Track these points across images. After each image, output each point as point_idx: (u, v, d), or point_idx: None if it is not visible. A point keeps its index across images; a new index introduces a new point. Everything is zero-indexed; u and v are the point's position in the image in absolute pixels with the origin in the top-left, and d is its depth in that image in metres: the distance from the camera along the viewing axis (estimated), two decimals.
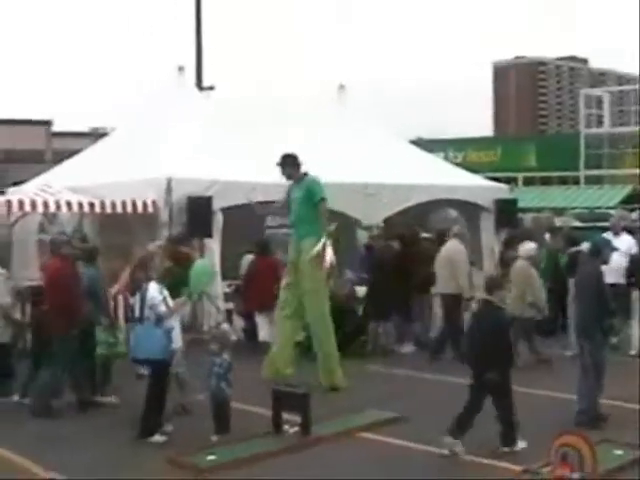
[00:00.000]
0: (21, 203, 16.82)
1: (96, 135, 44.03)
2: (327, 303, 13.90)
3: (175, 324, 11.16)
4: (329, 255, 13.30)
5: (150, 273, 11.27)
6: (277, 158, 13.99)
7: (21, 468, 9.90)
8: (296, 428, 10.65)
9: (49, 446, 10.66)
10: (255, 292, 16.06)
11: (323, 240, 13.25)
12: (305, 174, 13.85)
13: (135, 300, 11.38)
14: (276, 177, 15.28)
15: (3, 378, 13.25)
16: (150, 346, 10.66)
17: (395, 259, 16.52)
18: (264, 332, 15.91)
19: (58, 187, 17.88)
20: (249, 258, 16.84)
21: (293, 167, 13.87)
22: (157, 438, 10.66)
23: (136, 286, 11.99)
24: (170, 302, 10.93)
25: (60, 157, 31.49)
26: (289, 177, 14.00)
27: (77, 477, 9.26)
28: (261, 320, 16.14)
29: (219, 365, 10.75)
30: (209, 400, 10.85)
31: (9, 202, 16.81)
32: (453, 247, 16.05)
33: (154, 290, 10.89)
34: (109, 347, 12.71)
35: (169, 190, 16.86)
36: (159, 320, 10.77)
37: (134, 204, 17.06)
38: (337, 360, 13.70)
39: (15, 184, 23.26)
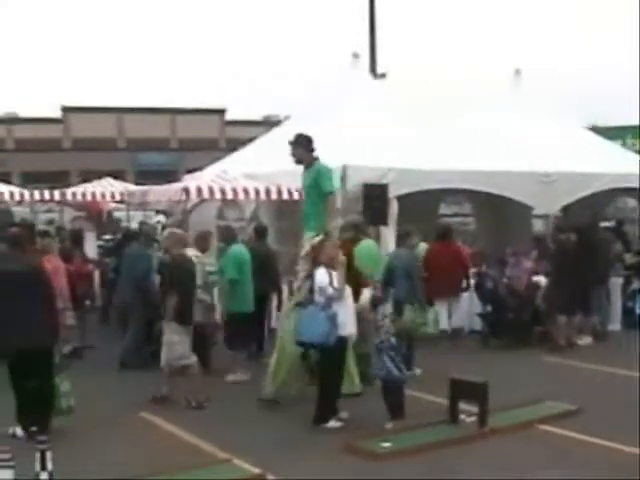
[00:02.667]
0: (199, 190, 17.12)
1: (269, 123, 44.53)
2: None
3: (347, 310, 11.09)
4: None
5: (319, 258, 11.20)
6: (453, 146, 13.59)
7: (195, 447, 10.05)
8: (473, 418, 10.49)
9: (224, 427, 10.81)
10: (435, 279, 15.52)
11: (318, 239, 11.47)
12: (316, 159, 12.09)
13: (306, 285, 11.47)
14: (451, 164, 15.01)
15: None
16: (312, 330, 10.66)
17: (575, 250, 16.09)
18: (443, 320, 15.74)
19: (234, 174, 18.14)
20: (423, 247, 16.42)
21: (304, 150, 12.03)
22: (332, 424, 10.69)
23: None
24: (337, 284, 10.84)
25: (233, 145, 32.08)
26: (298, 161, 12.21)
27: (254, 459, 9.33)
28: (441, 308, 15.91)
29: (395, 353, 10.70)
30: (383, 387, 10.83)
31: (187, 189, 17.12)
32: None
33: (321, 274, 10.88)
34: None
35: (344, 177, 16.85)
36: (328, 303, 10.76)
37: None
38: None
39: (189, 172, 23.77)
